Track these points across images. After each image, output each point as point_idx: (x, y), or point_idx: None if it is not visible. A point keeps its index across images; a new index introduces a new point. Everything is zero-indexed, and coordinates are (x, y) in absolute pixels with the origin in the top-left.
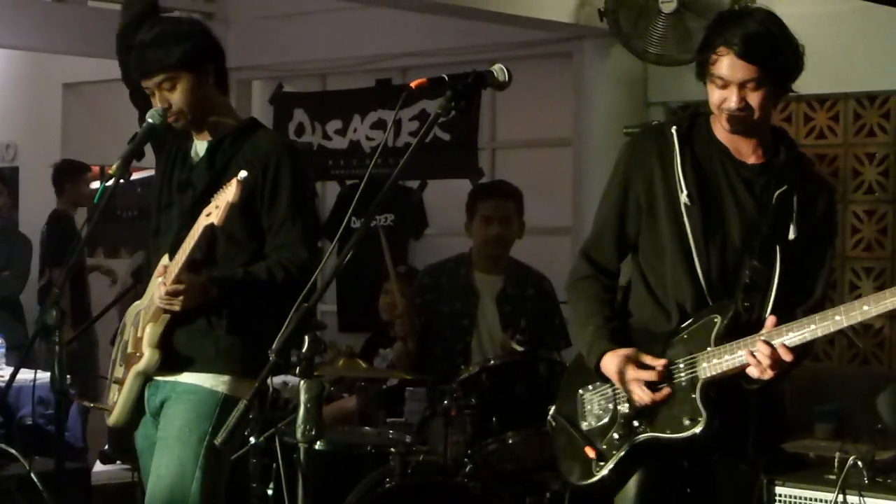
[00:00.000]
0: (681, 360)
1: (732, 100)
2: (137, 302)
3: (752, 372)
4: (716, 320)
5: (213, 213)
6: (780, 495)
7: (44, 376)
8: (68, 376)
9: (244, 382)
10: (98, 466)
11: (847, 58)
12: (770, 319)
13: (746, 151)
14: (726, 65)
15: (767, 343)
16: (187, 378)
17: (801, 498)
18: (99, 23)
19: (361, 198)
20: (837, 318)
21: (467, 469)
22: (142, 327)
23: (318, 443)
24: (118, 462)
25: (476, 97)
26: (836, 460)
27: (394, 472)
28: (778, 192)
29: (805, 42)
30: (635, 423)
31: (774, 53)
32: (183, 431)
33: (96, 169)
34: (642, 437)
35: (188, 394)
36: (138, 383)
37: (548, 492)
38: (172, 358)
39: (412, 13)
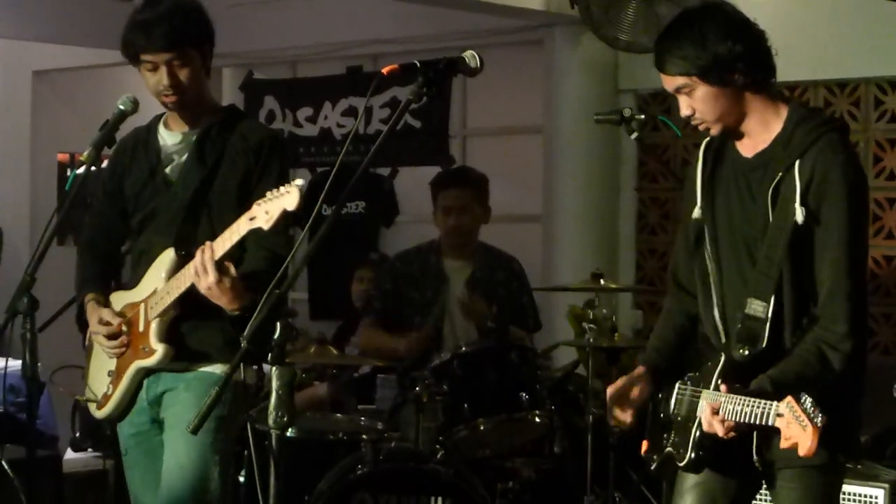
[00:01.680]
0: (694, 389)
1: (683, 111)
2: (124, 292)
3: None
4: (721, 359)
5: (261, 217)
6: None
7: (14, 364)
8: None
9: (249, 369)
10: (69, 454)
11: (817, 46)
12: (722, 388)
13: (747, 144)
14: (663, 79)
15: (711, 411)
16: (196, 367)
17: None
18: (70, 10)
19: (332, 185)
20: (769, 408)
21: (439, 456)
22: (145, 321)
23: (290, 430)
24: (89, 450)
25: (447, 84)
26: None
27: (365, 459)
28: (774, 181)
29: (775, 30)
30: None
31: (687, 56)
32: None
33: (66, 156)
34: (666, 451)
35: (198, 382)
36: (140, 377)
37: (519, 478)
38: (180, 349)
39: (383, 0)
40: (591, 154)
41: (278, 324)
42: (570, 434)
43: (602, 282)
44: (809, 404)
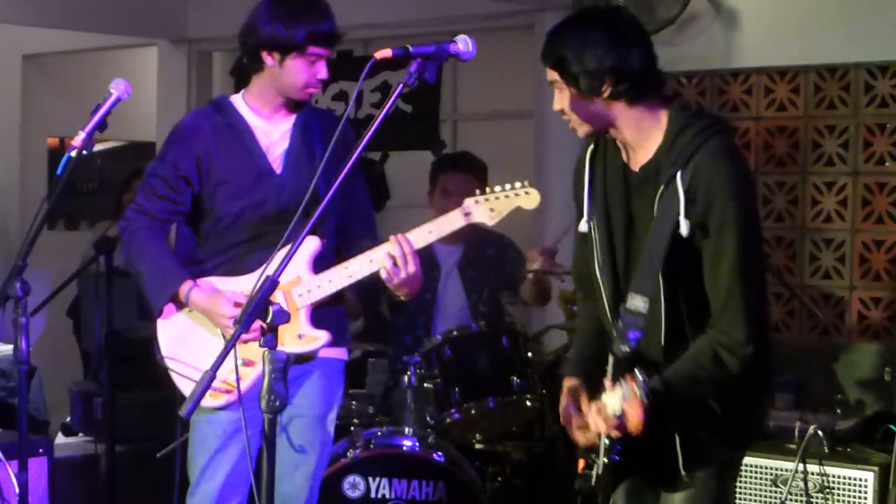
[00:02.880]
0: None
1: (554, 105)
2: (229, 278)
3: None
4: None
5: (482, 214)
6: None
7: (5, 349)
8: None
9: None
10: (60, 439)
11: (807, 30)
12: (606, 383)
13: (632, 157)
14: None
15: (595, 409)
16: (323, 354)
17: (762, 467)
18: None
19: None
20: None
21: (430, 440)
22: (291, 307)
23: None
24: (80, 434)
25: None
26: (796, 430)
27: (356, 443)
28: (658, 192)
29: (767, 15)
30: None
31: (561, 59)
32: (329, 407)
33: (56, 140)
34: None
35: (325, 368)
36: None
37: (510, 461)
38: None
39: None
40: (581, 139)
41: (271, 308)
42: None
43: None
44: (640, 376)
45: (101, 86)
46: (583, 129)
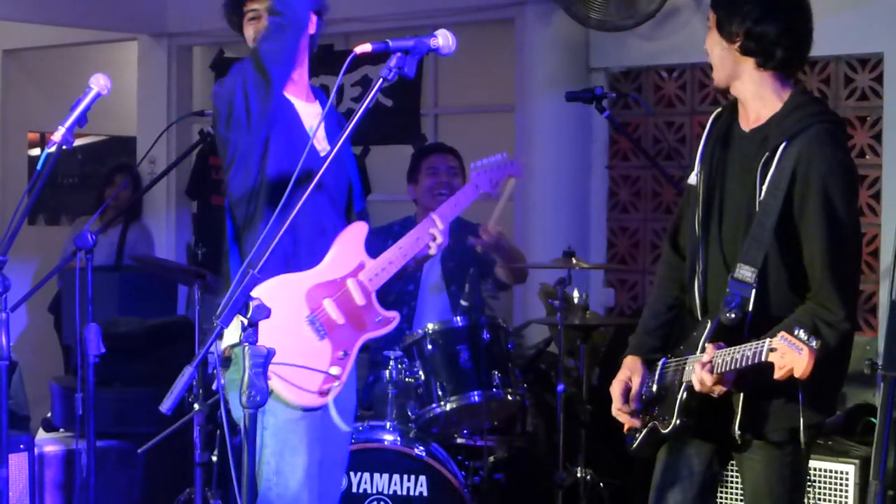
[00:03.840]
0: (678, 360)
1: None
2: (290, 275)
3: (697, 388)
4: (706, 325)
5: (485, 185)
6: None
7: None
8: None
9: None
10: (41, 434)
11: None
12: (709, 347)
13: (745, 118)
14: None
15: (701, 365)
16: None
17: None
18: None
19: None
20: (762, 345)
21: (412, 434)
22: (364, 293)
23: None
24: (61, 430)
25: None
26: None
27: None
28: (763, 157)
29: None
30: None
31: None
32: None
33: (36, 135)
34: (649, 425)
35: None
36: None
37: (491, 456)
38: None
39: None
40: (562, 132)
41: (251, 303)
42: (542, 412)
43: (574, 260)
44: (803, 333)
45: (81, 81)
46: (717, 76)
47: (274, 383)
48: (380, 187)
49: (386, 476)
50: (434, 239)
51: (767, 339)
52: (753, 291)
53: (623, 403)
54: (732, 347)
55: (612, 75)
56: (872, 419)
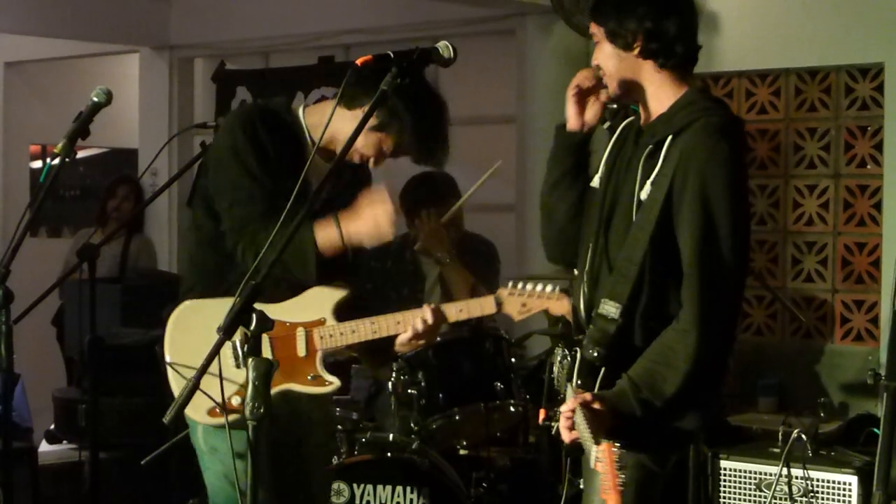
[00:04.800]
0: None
1: (592, 60)
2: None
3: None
4: (577, 354)
5: (514, 308)
6: (724, 469)
7: None
8: None
9: None
10: (44, 446)
11: (788, 34)
12: (577, 396)
13: (644, 118)
14: None
15: (564, 416)
16: None
17: (745, 471)
18: (41, 1)
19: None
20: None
21: (414, 445)
22: (309, 347)
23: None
24: (64, 442)
25: (421, 74)
26: (779, 434)
27: (341, 450)
28: (646, 151)
29: (748, 18)
30: None
31: (602, 12)
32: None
33: (38, 148)
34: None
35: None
36: (281, 397)
37: (494, 467)
38: None
39: None
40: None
41: (254, 314)
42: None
43: (575, 270)
44: (618, 457)
45: (83, 93)
46: (612, 87)
47: (172, 385)
48: None
49: (389, 487)
50: (421, 329)
51: (594, 448)
52: (616, 327)
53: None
54: (583, 419)
55: None
56: (875, 429)
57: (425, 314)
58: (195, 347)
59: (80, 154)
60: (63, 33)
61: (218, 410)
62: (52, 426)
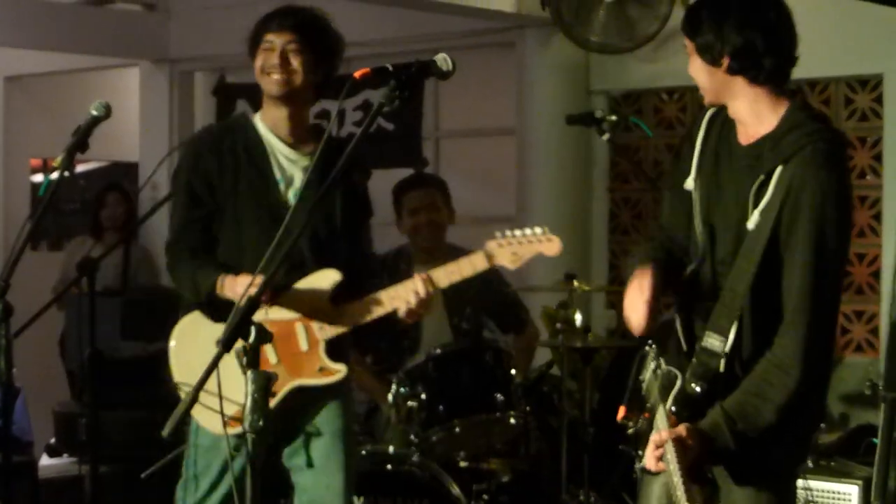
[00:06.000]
0: (660, 380)
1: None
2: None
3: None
4: (676, 381)
5: (505, 257)
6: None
7: None
8: None
9: None
10: (45, 460)
11: None
12: (670, 428)
13: (742, 132)
14: None
15: (654, 445)
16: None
17: None
18: (42, 15)
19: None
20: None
21: (414, 458)
22: (310, 339)
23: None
24: (65, 455)
25: (420, 87)
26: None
27: None
28: (758, 180)
29: None
30: None
31: (693, 28)
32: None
33: (39, 161)
34: (640, 424)
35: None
36: (293, 395)
37: (494, 479)
38: None
39: (355, 3)
40: (563, 155)
41: (253, 327)
42: (545, 435)
43: (575, 282)
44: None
45: (84, 107)
46: (707, 98)
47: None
48: (381, 212)
49: (389, 500)
50: (415, 302)
51: (681, 496)
52: (723, 361)
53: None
54: (675, 459)
55: (613, 98)
56: (875, 440)
57: (416, 286)
58: (200, 363)
59: (81, 168)
60: (63, 47)
61: (232, 421)
62: (53, 440)
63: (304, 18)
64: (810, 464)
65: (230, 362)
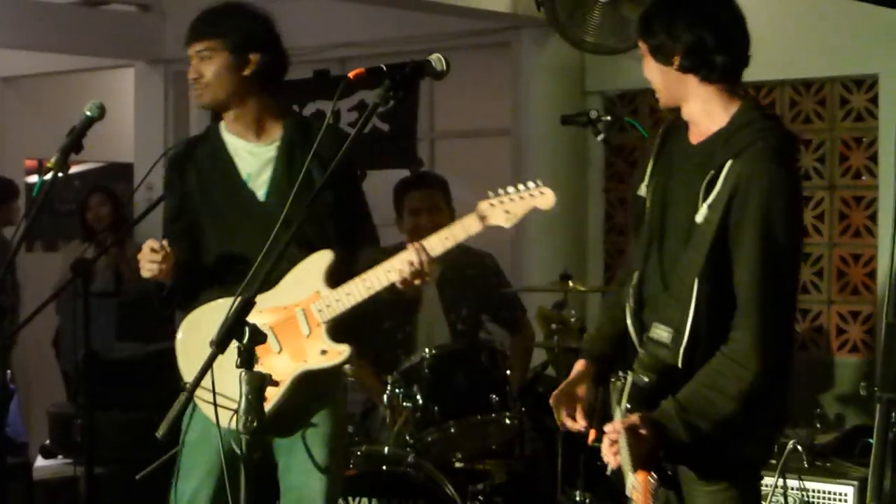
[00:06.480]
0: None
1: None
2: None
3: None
4: (625, 380)
5: (498, 216)
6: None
7: None
8: None
9: None
10: (40, 461)
11: (783, 46)
12: (624, 418)
13: (693, 132)
14: None
15: (609, 441)
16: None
17: None
18: (37, 16)
19: (301, 188)
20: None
21: (409, 459)
22: (310, 324)
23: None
24: (60, 457)
25: (414, 87)
26: (775, 445)
27: None
28: (708, 175)
29: None
30: None
31: (641, 29)
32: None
33: (34, 162)
34: None
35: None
36: (303, 381)
37: (490, 480)
38: None
39: (350, 3)
40: (558, 156)
41: (247, 328)
42: (540, 435)
43: (571, 283)
44: (654, 488)
45: (79, 107)
46: (662, 99)
47: (199, 404)
48: (377, 212)
49: (385, 501)
50: (409, 272)
51: (631, 475)
52: (670, 353)
53: (567, 418)
54: (625, 445)
55: (608, 98)
56: (871, 440)
57: (410, 255)
58: (202, 358)
59: (76, 169)
60: (58, 48)
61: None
62: (48, 441)
63: (210, 20)
64: (806, 464)
65: (229, 353)
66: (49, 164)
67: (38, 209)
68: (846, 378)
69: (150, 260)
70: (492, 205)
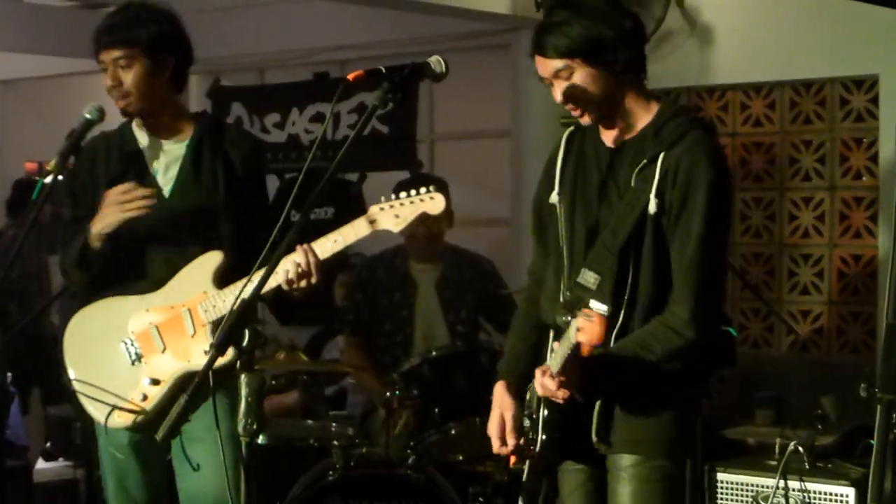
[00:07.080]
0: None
1: (557, 97)
2: (125, 297)
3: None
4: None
5: (387, 220)
6: (720, 482)
7: None
8: None
9: None
10: (40, 464)
11: (782, 46)
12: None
13: (610, 136)
14: (538, 63)
15: (542, 371)
16: None
17: (742, 484)
18: (37, 19)
19: (300, 191)
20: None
21: (410, 461)
22: (195, 324)
23: (260, 436)
24: (60, 459)
25: (413, 89)
26: (776, 446)
27: (336, 465)
28: (639, 166)
29: (742, 31)
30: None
31: (572, 36)
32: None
33: (34, 165)
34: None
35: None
36: (182, 381)
37: (490, 482)
38: None
39: (349, 5)
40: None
41: (247, 330)
42: None
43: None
44: (596, 304)
45: (79, 110)
46: (591, 116)
47: (82, 399)
48: None
49: (385, 503)
50: (298, 274)
51: (573, 321)
52: (592, 297)
53: (502, 444)
54: (559, 345)
55: None
56: (871, 441)
57: (297, 257)
58: (94, 356)
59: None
60: (58, 51)
61: (120, 413)
62: (48, 444)
63: (123, 25)
64: (807, 465)
65: (114, 351)
66: (49, 167)
67: (38, 212)
68: (846, 379)
69: (126, 200)
70: (382, 209)
